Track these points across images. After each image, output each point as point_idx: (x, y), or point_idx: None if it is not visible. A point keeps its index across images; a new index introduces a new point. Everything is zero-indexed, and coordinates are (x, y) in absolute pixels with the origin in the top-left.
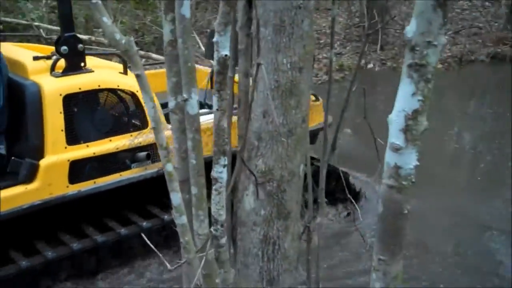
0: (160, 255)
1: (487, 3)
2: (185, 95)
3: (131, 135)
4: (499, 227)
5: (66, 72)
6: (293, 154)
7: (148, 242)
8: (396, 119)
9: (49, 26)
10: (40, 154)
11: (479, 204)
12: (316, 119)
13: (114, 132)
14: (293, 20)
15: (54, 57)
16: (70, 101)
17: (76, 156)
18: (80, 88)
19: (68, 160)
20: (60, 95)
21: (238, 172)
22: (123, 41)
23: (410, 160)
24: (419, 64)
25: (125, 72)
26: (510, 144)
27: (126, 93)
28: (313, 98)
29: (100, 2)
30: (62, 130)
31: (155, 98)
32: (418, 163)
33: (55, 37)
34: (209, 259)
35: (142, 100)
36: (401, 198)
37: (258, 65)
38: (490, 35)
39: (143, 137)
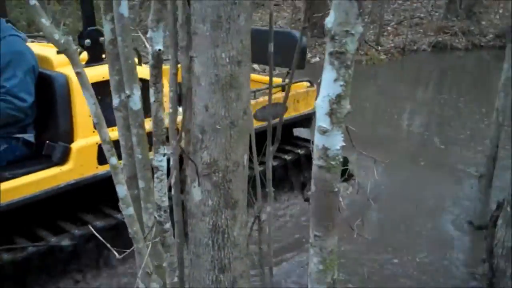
0: (108, 245)
1: None
2: (127, 92)
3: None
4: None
5: (89, 63)
6: (236, 145)
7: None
8: (321, 104)
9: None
10: (71, 139)
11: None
12: (311, 104)
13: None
14: (230, 16)
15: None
16: (95, 89)
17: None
18: (103, 77)
19: (97, 143)
20: (93, 84)
21: (183, 165)
22: (62, 41)
23: (336, 142)
24: (339, 52)
25: (139, 63)
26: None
27: (142, 80)
28: (308, 84)
29: (38, 4)
30: (89, 116)
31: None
32: (344, 144)
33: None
34: (158, 248)
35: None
36: (330, 177)
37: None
38: (431, 25)
39: None
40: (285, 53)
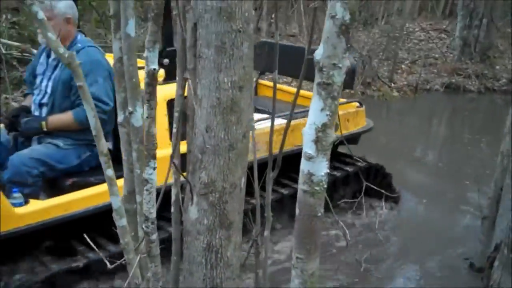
0: (100, 254)
1: (443, 35)
2: (130, 108)
3: None
4: None
5: (166, 80)
6: (234, 167)
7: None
8: (308, 131)
9: (9, 42)
10: None
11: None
12: (360, 123)
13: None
14: (234, 43)
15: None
16: (172, 105)
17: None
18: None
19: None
20: (165, 100)
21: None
22: (66, 55)
23: (321, 168)
24: (326, 83)
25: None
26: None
27: None
28: (357, 104)
29: (45, 18)
30: (166, 129)
31: None
32: (328, 171)
33: (14, 52)
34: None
35: None
36: (314, 201)
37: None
38: (445, 66)
39: None
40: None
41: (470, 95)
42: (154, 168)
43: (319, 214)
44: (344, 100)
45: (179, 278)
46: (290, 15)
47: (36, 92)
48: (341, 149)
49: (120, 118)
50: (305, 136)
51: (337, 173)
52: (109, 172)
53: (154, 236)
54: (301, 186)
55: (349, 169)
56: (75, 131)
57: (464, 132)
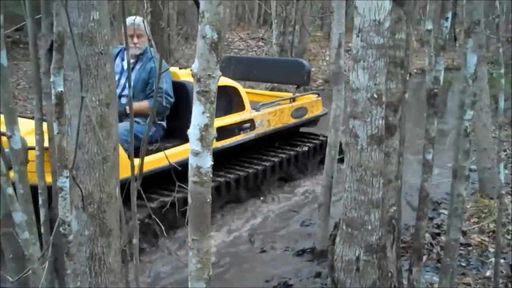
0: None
1: (260, 43)
2: (8, 133)
3: (238, 114)
4: None
5: None
6: (109, 178)
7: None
8: (193, 131)
9: None
10: None
11: None
12: (319, 110)
13: (229, 111)
14: (97, 64)
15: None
16: None
17: (219, 124)
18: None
19: (216, 127)
20: None
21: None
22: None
23: (207, 161)
24: (204, 91)
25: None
26: None
27: (231, 87)
28: (316, 96)
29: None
30: None
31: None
32: (212, 163)
33: None
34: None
35: (240, 92)
36: (204, 190)
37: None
38: None
39: (244, 115)
40: (294, 74)
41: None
42: (67, 177)
43: (208, 200)
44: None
45: None
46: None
47: None
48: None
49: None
50: (191, 136)
51: (309, 145)
52: (9, 190)
53: (71, 237)
54: (191, 178)
55: (317, 142)
56: (147, 114)
57: None
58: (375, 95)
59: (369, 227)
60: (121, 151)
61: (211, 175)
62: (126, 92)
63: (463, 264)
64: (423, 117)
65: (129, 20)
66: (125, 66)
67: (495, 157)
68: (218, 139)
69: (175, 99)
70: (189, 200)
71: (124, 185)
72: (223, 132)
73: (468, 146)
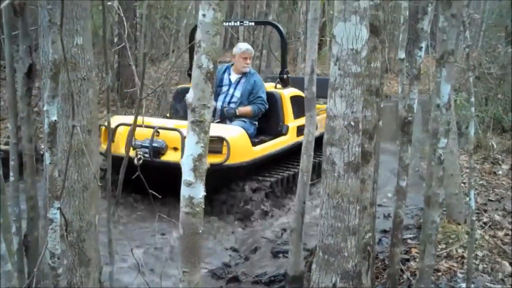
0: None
1: None
2: None
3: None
4: None
5: (283, 87)
6: (89, 206)
7: None
8: (186, 161)
9: None
10: (284, 123)
11: None
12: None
13: (300, 115)
14: (80, 90)
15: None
16: (291, 99)
17: (297, 124)
18: (293, 94)
19: (296, 126)
20: (290, 97)
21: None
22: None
23: (199, 192)
24: (199, 121)
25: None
26: None
27: (301, 96)
28: None
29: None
30: (291, 113)
31: None
32: (205, 193)
33: None
34: None
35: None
36: (195, 221)
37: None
38: None
39: None
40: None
41: None
42: (58, 208)
43: (200, 231)
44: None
45: None
46: None
47: (222, 96)
48: None
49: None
50: (184, 166)
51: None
52: None
53: (60, 270)
54: (183, 209)
55: None
56: (250, 116)
57: None
58: (352, 123)
59: (346, 254)
60: (247, 140)
61: (203, 206)
62: (234, 99)
63: None
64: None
65: (246, 46)
66: (232, 80)
67: (461, 183)
68: (298, 135)
69: None
70: (180, 231)
71: (244, 168)
72: (302, 129)
73: (442, 174)
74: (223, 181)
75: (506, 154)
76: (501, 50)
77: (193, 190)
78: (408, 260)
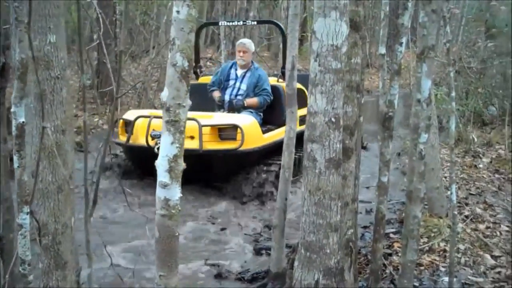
0: None
1: (209, 63)
2: None
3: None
4: None
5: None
6: (64, 208)
7: None
8: (162, 163)
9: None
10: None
11: None
12: None
13: (301, 106)
14: (53, 89)
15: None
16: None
17: (298, 114)
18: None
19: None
20: None
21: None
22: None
23: (175, 193)
24: (174, 120)
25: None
26: None
27: (302, 90)
28: None
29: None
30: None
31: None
32: (181, 195)
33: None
34: None
35: (306, 93)
36: (172, 223)
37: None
38: None
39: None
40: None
41: None
42: (27, 213)
43: (177, 234)
44: None
45: None
46: None
47: (229, 89)
48: None
49: None
50: (159, 167)
51: None
52: None
53: (31, 277)
54: (159, 211)
55: None
56: (256, 107)
57: None
58: (333, 119)
59: (328, 251)
60: (258, 127)
61: (179, 208)
62: (241, 92)
63: (416, 284)
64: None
65: (241, 40)
66: (238, 75)
67: (442, 177)
68: (300, 124)
69: None
70: (156, 234)
71: (256, 153)
72: (303, 119)
73: (423, 169)
74: (237, 165)
75: (486, 147)
76: (481, 45)
77: (169, 191)
78: (390, 254)
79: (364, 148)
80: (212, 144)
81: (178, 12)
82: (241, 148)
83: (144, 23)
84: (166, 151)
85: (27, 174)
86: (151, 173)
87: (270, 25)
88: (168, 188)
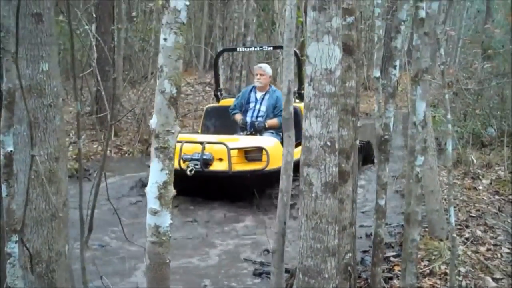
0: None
1: (207, 88)
2: None
3: None
4: None
5: (301, 102)
6: (58, 236)
7: None
8: (151, 189)
9: None
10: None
11: None
12: None
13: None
14: (46, 117)
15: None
16: None
17: None
18: None
19: None
20: None
21: None
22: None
23: (166, 220)
24: (163, 147)
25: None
26: None
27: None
28: None
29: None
30: None
31: None
32: (172, 222)
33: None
34: None
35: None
36: (162, 250)
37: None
38: None
39: None
40: None
41: None
42: (16, 242)
43: (167, 261)
44: None
45: None
46: None
47: (250, 112)
48: None
49: None
50: (149, 194)
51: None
52: None
53: None
54: (149, 238)
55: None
56: (276, 128)
57: None
58: (328, 143)
59: (326, 275)
60: (281, 148)
61: (170, 235)
62: (261, 113)
63: None
64: None
65: (259, 65)
66: (258, 97)
67: (442, 199)
68: None
69: None
70: (146, 261)
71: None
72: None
73: (420, 191)
74: (264, 184)
75: (486, 169)
76: (478, 66)
77: (159, 218)
78: (391, 278)
79: (372, 162)
80: (240, 166)
81: (165, 39)
82: (267, 168)
83: (143, 49)
84: (156, 178)
85: (18, 202)
86: (185, 194)
87: (268, 50)
88: (159, 215)
